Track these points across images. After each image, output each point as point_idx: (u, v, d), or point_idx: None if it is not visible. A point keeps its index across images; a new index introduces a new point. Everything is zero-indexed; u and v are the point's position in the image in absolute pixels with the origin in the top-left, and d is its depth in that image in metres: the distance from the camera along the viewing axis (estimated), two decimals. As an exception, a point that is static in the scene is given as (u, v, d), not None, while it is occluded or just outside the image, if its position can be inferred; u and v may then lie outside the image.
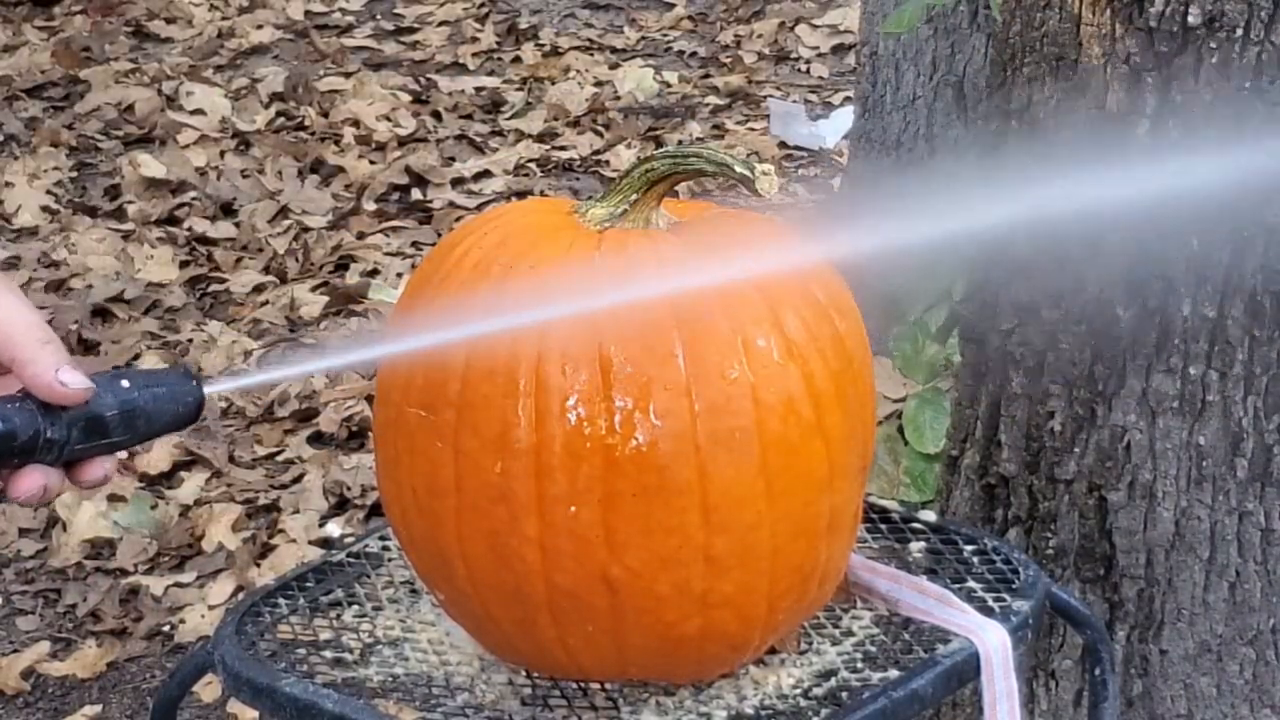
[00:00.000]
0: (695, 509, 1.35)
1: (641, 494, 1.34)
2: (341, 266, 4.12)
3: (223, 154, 4.65)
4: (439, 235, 4.21)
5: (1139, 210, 1.79)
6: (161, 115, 4.82)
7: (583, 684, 1.46)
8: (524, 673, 1.48)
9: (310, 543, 3.12)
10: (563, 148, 4.76)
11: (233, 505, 3.23)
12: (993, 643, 1.49)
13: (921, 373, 2.95)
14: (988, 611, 1.53)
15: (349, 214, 4.35)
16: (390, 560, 1.63)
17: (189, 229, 4.27)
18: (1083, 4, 1.86)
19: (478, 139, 4.80)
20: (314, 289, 4.00)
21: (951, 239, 1.37)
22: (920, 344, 2.95)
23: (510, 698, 1.46)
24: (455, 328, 1.37)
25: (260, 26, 5.47)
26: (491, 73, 5.24)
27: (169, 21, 5.52)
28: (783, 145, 4.73)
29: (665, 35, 5.50)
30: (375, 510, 3.18)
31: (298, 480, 3.32)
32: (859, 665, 1.49)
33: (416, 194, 4.47)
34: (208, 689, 2.77)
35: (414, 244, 4.21)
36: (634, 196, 1.44)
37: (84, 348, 3.75)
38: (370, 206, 4.40)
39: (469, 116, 4.94)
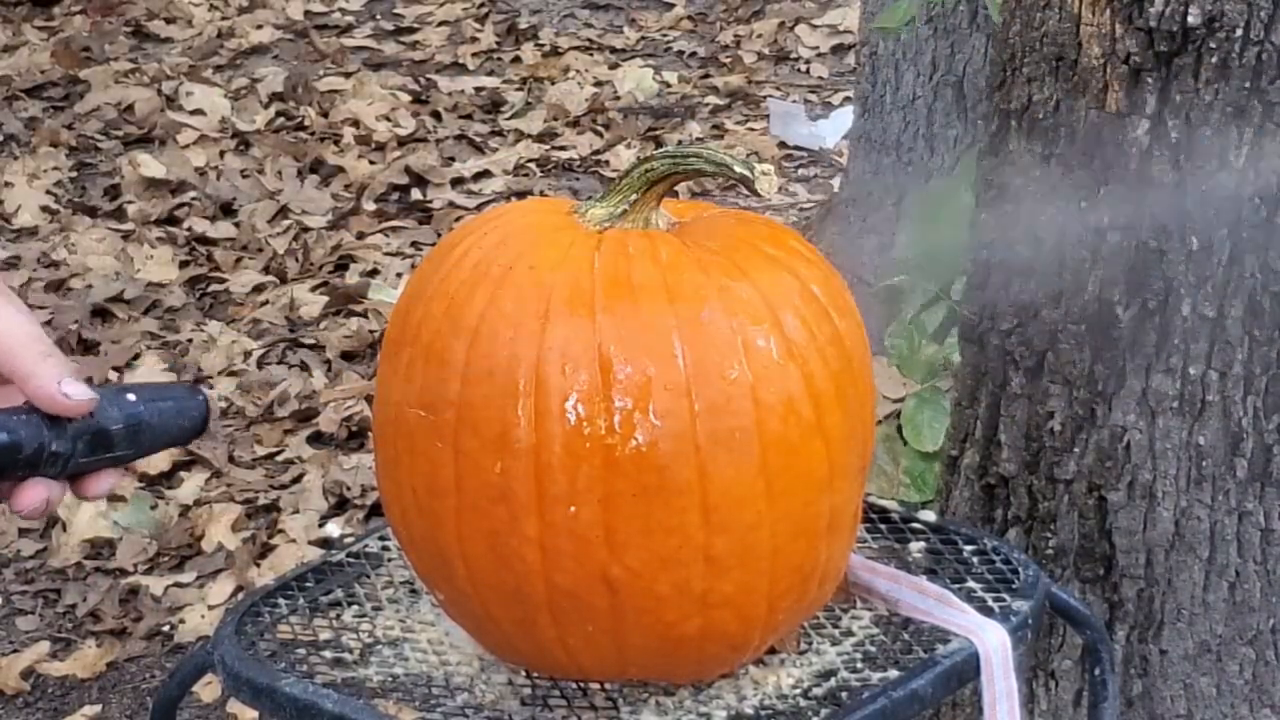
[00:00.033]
0: (695, 509, 1.35)
1: (641, 494, 1.34)
2: (341, 266, 4.12)
3: (222, 154, 4.65)
4: (439, 235, 4.20)
5: (1139, 210, 1.79)
6: (161, 115, 4.82)
7: (582, 684, 1.46)
8: (524, 673, 1.48)
9: (310, 543, 3.12)
10: (562, 148, 4.76)
11: (232, 505, 3.23)
12: (992, 643, 1.49)
13: (918, 372, 2.95)
14: (987, 611, 1.53)
15: (349, 214, 4.35)
16: (390, 560, 1.63)
17: (189, 229, 4.27)
18: (1083, 4, 1.86)
19: (477, 139, 4.80)
20: (314, 289, 4.00)
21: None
22: (916, 343, 2.95)
23: (510, 698, 1.46)
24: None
25: (260, 26, 5.47)
26: (491, 73, 5.24)
27: (169, 21, 5.52)
28: (782, 145, 4.73)
29: (665, 35, 5.50)
30: (375, 510, 3.18)
31: (297, 480, 3.32)
32: (859, 665, 1.49)
33: (416, 194, 4.47)
34: (207, 689, 2.77)
35: (414, 244, 4.21)
36: (634, 196, 1.44)
37: (84, 348, 3.75)
38: (370, 206, 4.40)
39: (469, 116, 4.94)
